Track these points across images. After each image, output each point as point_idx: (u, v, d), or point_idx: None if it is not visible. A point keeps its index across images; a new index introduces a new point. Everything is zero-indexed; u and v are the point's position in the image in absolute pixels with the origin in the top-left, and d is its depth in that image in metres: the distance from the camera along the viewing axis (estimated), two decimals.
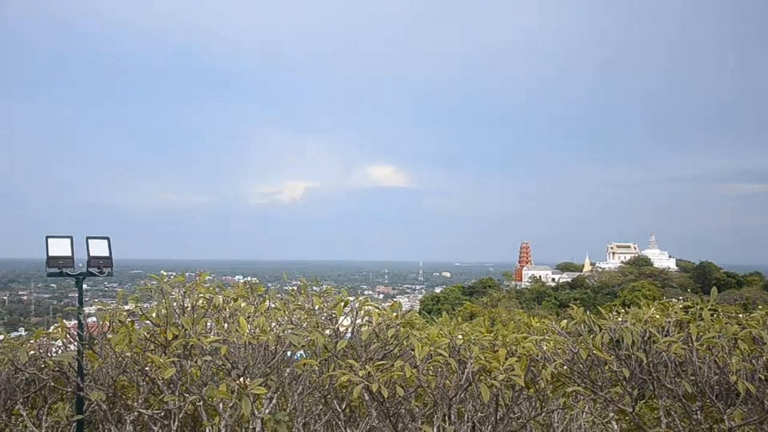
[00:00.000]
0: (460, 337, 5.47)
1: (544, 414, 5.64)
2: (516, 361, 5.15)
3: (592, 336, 5.36)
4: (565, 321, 5.77)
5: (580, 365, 5.45)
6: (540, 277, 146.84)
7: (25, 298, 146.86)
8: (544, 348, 5.46)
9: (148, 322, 5.52)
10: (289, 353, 5.58)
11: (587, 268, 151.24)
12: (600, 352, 5.26)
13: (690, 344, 5.15)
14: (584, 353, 5.36)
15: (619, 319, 5.49)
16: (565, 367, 5.50)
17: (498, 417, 5.47)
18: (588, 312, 5.68)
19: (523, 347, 5.40)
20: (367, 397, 5.33)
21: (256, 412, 4.93)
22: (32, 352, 5.92)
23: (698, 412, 5.31)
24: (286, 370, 5.52)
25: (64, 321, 6.05)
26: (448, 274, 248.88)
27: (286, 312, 5.74)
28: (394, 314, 5.74)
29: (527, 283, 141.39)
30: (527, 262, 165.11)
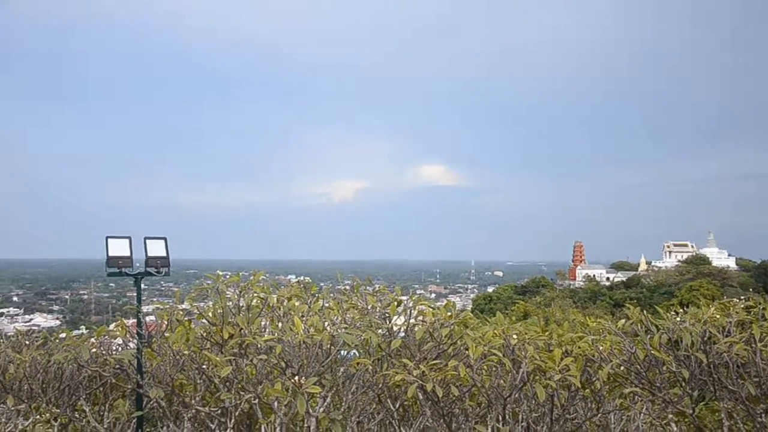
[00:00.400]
0: (514, 336, 5.42)
1: (600, 415, 5.55)
2: (572, 361, 5.08)
3: (649, 336, 5.27)
4: (622, 321, 5.67)
5: (638, 366, 5.35)
6: (594, 276, 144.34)
7: (85, 297, 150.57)
8: (600, 348, 5.37)
9: (204, 321, 5.60)
10: (343, 352, 5.62)
11: (643, 267, 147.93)
12: (658, 353, 5.16)
13: (753, 345, 5.02)
14: (642, 353, 5.26)
15: (677, 319, 5.38)
16: (622, 368, 5.40)
17: (553, 417, 5.40)
18: (644, 312, 5.58)
19: (579, 347, 5.33)
20: (421, 397, 5.33)
21: (311, 411, 4.98)
22: (94, 350, 6.07)
23: (763, 414, 5.16)
24: (340, 369, 5.55)
25: (123, 320, 6.18)
26: (500, 273, 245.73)
27: (340, 311, 5.77)
28: (448, 313, 5.72)
29: (581, 282, 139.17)
30: (581, 261, 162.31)
